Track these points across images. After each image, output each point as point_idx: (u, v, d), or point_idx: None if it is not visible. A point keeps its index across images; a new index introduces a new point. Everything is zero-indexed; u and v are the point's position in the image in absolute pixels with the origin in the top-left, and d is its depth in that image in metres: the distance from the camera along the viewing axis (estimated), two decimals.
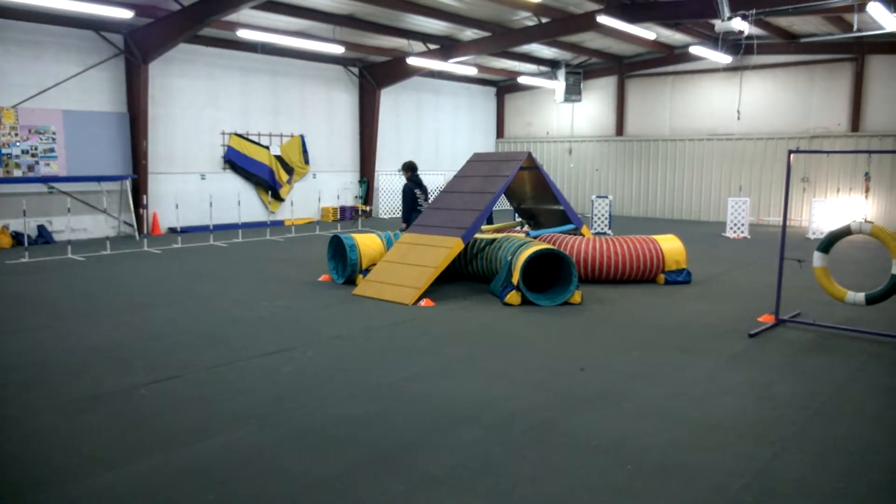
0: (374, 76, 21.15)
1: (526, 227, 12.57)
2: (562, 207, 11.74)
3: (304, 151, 20.20)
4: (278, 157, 19.48)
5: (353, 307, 8.94)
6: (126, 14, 13.16)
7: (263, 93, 19.16)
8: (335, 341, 7.28)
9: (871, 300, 7.47)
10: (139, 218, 16.40)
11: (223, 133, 18.31)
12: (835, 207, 17.89)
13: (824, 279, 7.78)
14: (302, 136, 20.12)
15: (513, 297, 9.01)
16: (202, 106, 17.79)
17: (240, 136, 18.64)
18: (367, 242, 10.51)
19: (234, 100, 18.48)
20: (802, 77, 20.01)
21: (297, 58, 19.51)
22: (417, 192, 11.67)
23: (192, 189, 17.72)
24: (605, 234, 16.87)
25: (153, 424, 4.99)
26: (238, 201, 17.52)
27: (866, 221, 7.43)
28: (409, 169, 11.84)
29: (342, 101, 21.35)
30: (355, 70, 21.34)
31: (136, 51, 15.69)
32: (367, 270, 10.23)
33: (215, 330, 7.68)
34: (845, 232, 7.61)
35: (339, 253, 10.80)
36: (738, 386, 5.94)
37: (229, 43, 17.69)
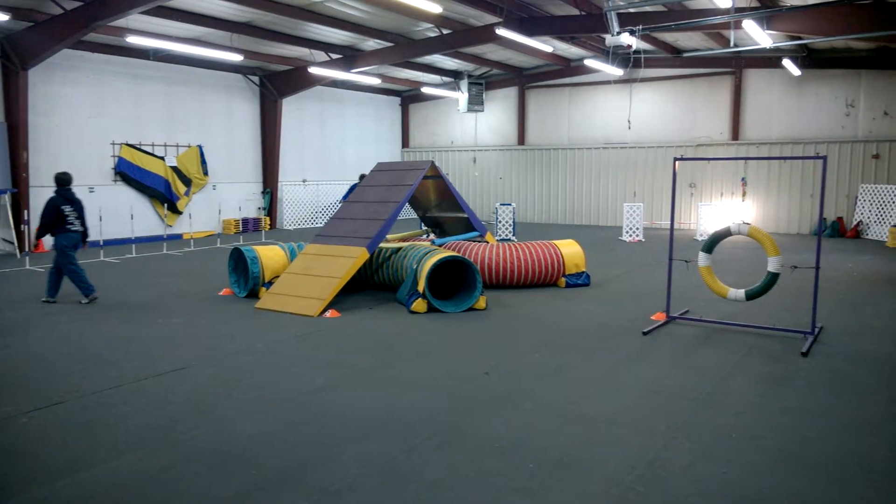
0: (276, 85, 20.78)
1: (431, 236, 12.67)
2: (466, 215, 11.92)
3: (203, 162, 19.54)
4: (175, 168, 18.74)
5: (255, 321, 8.71)
6: (1, 17, 12.32)
7: (157, 102, 18.39)
8: (235, 357, 7.07)
9: (750, 296, 8.01)
10: (20, 234, 15.33)
11: (113, 143, 17.43)
12: (719, 211, 19.09)
13: (709, 278, 8.27)
14: (200, 147, 19.46)
15: (419, 304, 9.05)
16: (89, 115, 16.87)
17: (132, 146, 17.80)
18: (269, 254, 10.28)
19: (124, 109, 17.64)
20: (687, 89, 21.25)
21: (193, 65, 18.88)
22: (67, 208, 9.87)
23: None
24: (509, 240, 17.24)
25: (33, 454, 4.68)
26: (131, 215, 16.69)
27: (744, 223, 7.97)
28: (60, 182, 10.10)
29: (242, 111, 20.83)
30: (255, 79, 20.88)
31: (14, 56, 14.71)
32: (271, 283, 10.00)
33: (103, 352, 7.28)
34: (726, 233, 8.13)
35: (241, 266, 10.51)
36: (632, 382, 6.21)
37: (118, 49, 16.90)
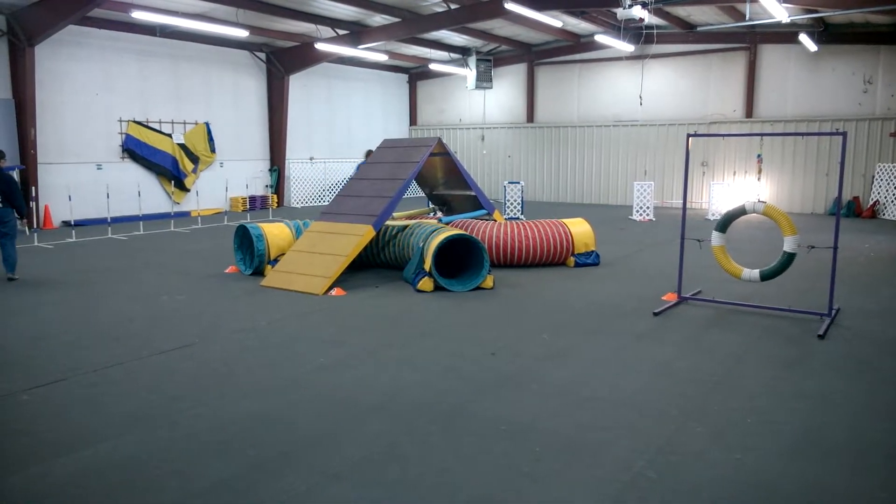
0: (283, 62, 20.53)
1: (438, 214, 12.50)
2: (473, 193, 11.74)
3: (210, 139, 19.39)
4: (182, 146, 18.61)
5: (260, 299, 8.62)
6: None
7: (164, 78, 18.22)
8: (239, 335, 6.98)
9: (765, 277, 7.82)
10: (28, 211, 15.27)
11: (120, 120, 17.30)
12: (732, 189, 18.79)
13: (722, 257, 8.08)
14: (207, 124, 19.30)
15: (425, 283, 8.92)
16: (96, 92, 16.73)
17: (139, 123, 17.67)
18: (275, 232, 10.17)
19: (131, 85, 17.48)
20: (700, 66, 20.83)
21: (200, 42, 18.66)
22: None
23: (87, 180, 16.67)
24: (518, 218, 17.04)
25: (33, 432, 4.61)
26: (138, 192, 16.61)
27: (759, 201, 7.76)
28: None
29: (249, 87, 20.62)
30: (262, 55, 20.64)
31: (21, 33, 14.55)
32: (276, 261, 9.90)
33: (108, 329, 7.20)
34: (740, 212, 7.92)
35: (247, 243, 10.40)
36: (642, 364, 6.07)
37: (125, 25, 16.69)
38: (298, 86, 21.66)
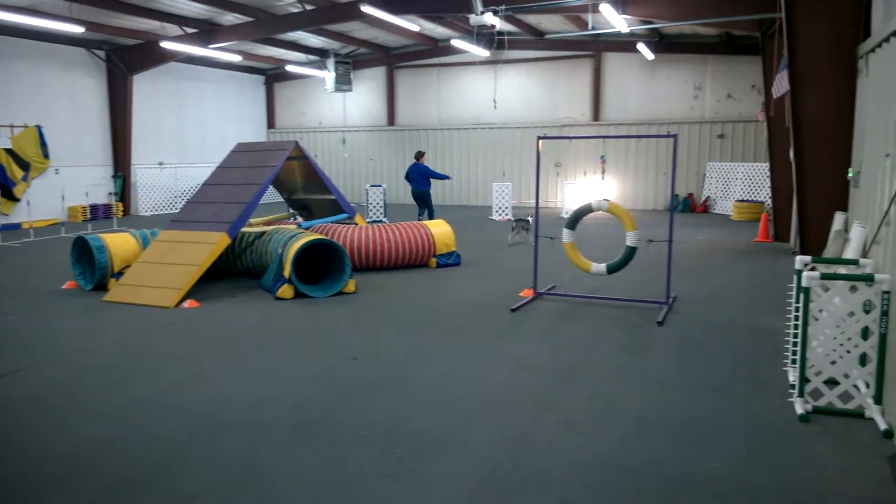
0: (125, 61, 19.25)
1: (298, 219, 12.24)
2: (334, 197, 11.61)
3: (43, 144, 17.76)
4: (10, 151, 16.91)
5: (103, 315, 8.02)
6: None
7: None
8: (80, 355, 6.45)
9: (611, 270, 8.35)
10: None
11: None
12: (583, 188, 19.90)
13: (572, 253, 8.53)
14: (39, 127, 17.66)
15: (285, 290, 8.70)
16: None
17: None
18: (118, 243, 9.50)
19: None
20: (550, 71, 21.89)
21: (30, 38, 17.06)
22: None
23: None
24: (380, 221, 17.04)
25: None
26: None
27: (604, 200, 8.27)
28: None
29: (88, 88, 19.14)
30: (102, 53, 19.23)
31: None
32: (121, 274, 9.25)
33: None
34: (587, 210, 8.40)
35: (87, 256, 9.64)
36: (501, 359, 6.27)
37: None
38: (144, 86, 20.40)
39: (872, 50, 7.01)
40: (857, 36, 8.26)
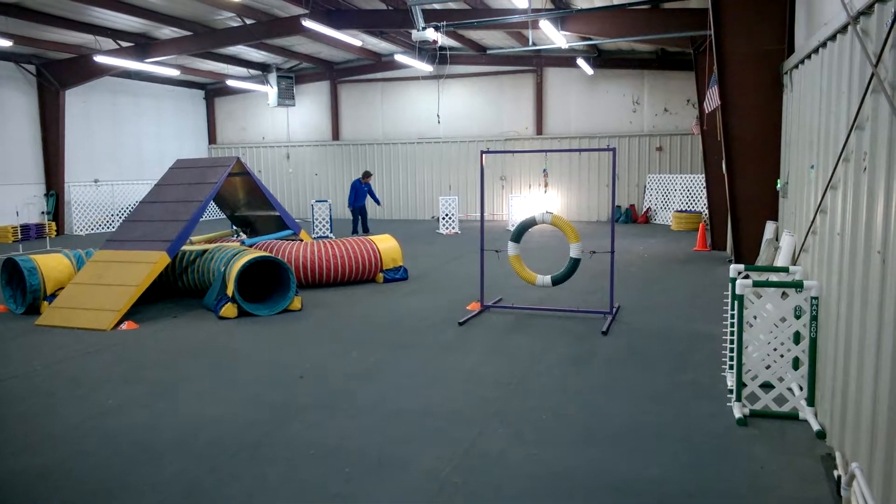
0: (56, 75, 18.62)
1: (242, 236, 12.03)
2: (278, 213, 11.46)
3: None
4: None
5: (35, 339, 7.68)
6: None
7: None
8: (9, 382, 6.16)
9: (556, 281, 8.47)
10: None
11: None
12: (528, 202, 20.16)
13: (518, 265, 8.61)
14: None
15: (228, 309, 8.51)
16: None
17: None
18: (51, 264, 9.14)
19: None
20: (494, 86, 22.17)
21: None
22: None
23: None
24: (327, 237, 16.89)
25: None
26: None
27: (547, 212, 8.39)
28: None
29: (17, 103, 18.44)
30: (31, 68, 18.57)
31: None
32: (54, 296, 8.89)
33: None
34: (531, 223, 8.51)
35: (17, 278, 9.24)
36: (449, 373, 6.27)
37: None
38: (77, 102, 19.79)
39: (796, 66, 7.34)
40: (782, 52, 8.64)
